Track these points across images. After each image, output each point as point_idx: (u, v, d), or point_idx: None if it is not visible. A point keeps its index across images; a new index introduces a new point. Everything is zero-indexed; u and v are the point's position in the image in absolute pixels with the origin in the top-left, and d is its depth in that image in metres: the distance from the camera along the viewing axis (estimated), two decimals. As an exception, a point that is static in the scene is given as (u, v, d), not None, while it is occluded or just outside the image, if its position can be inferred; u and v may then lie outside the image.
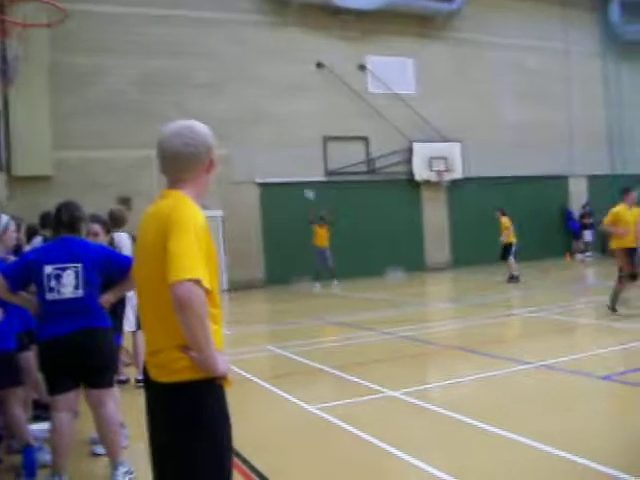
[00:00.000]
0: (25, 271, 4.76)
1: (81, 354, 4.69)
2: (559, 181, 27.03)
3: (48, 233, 7.32)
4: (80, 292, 4.74)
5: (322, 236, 19.62)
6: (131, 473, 4.89)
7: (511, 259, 18.09)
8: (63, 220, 4.90)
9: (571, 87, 27.32)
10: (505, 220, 18.64)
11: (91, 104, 19.34)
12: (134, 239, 7.92)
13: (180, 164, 2.88)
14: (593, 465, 4.57)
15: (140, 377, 7.99)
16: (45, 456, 5.17)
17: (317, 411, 6.41)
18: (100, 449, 5.40)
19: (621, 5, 27.98)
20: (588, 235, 26.21)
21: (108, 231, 6.67)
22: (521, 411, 6.14)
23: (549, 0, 26.77)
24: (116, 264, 4.95)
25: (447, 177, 23.83)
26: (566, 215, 26.83)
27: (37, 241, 8.44)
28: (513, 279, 17.89)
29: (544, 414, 5.98)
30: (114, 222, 7.86)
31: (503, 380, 7.35)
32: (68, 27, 17.24)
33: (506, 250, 18.28)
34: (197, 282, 2.55)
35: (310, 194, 19.60)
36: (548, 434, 5.27)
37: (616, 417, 5.89)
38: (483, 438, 5.43)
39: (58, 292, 4.70)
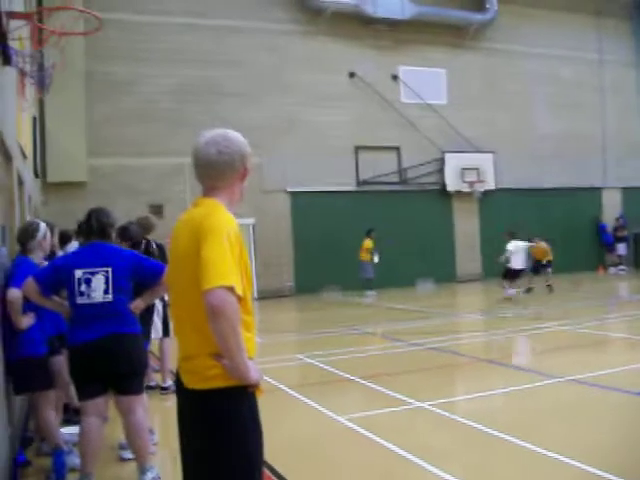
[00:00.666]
0: (56, 276, 4.82)
1: (110, 360, 4.73)
2: (593, 193, 26.72)
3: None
4: (110, 297, 4.78)
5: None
6: (159, 479, 4.91)
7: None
8: (93, 226, 4.96)
9: (605, 97, 27.04)
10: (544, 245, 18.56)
11: (125, 112, 19.58)
12: (159, 246, 7.99)
13: (214, 172, 2.90)
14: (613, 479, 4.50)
15: (165, 385, 8.05)
16: (74, 460, 5.21)
17: (345, 421, 6.39)
18: (128, 454, 5.45)
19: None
20: (622, 248, 25.86)
21: (129, 239, 6.75)
22: (548, 425, 6.07)
23: (583, 9, 26.56)
24: (147, 270, 4.98)
25: (479, 188, 23.68)
26: (599, 228, 26.49)
27: (72, 246, 8.55)
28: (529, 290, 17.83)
29: (571, 428, 5.91)
30: (142, 230, 7.95)
31: (531, 393, 7.27)
32: (104, 36, 17.43)
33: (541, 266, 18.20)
34: (230, 289, 2.56)
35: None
36: (575, 448, 5.22)
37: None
38: (507, 450, 5.39)
39: (88, 296, 4.75)
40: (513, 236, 17.67)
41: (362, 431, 6.01)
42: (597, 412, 6.43)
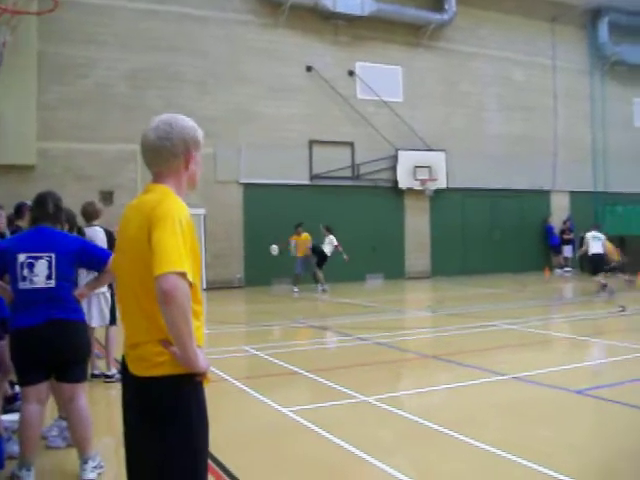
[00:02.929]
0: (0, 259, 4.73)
1: (51, 346, 4.65)
2: (541, 195, 27.21)
3: (23, 223, 7.26)
4: (52, 282, 4.70)
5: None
6: (101, 467, 4.86)
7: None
8: (49, 211, 4.87)
9: (557, 102, 27.54)
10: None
11: (79, 96, 19.24)
12: (108, 233, 7.88)
13: (157, 158, 2.87)
14: (555, 475, 4.61)
15: (109, 373, 7.97)
16: (14, 447, 5.12)
17: (290, 414, 6.40)
18: (57, 441, 5.40)
19: (609, 24, 28.28)
20: (568, 250, 26.39)
21: (72, 227, 6.63)
22: (490, 421, 6.18)
23: (539, 15, 26.98)
24: (92, 256, 4.90)
25: (431, 186, 23.89)
26: (547, 230, 26.97)
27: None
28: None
29: (513, 425, 6.03)
30: (86, 217, 7.84)
31: (475, 390, 7.38)
32: (58, 17, 17.17)
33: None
34: (182, 275, 2.54)
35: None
36: (514, 444, 5.32)
37: (585, 431, 5.92)
38: (450, 445, 5.47)
39: (30, 281, 4.66)
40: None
41: (308, 424, 6.02)
42: (539, 410, 6.55)
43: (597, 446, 5.47)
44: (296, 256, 19.58)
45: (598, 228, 17.97)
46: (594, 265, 17.29)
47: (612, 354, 9.39)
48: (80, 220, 7.61)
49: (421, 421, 6.04)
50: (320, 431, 5.80)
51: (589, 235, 17.37)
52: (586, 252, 17.40)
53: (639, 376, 7.89)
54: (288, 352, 9.99)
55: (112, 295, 7.94)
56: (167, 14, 20.53)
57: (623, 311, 14.19)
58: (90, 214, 7.94)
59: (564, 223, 26.86)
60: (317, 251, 19.32)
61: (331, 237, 19.45)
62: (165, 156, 2.86)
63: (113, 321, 8.02)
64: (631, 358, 9.01)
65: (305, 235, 19.64)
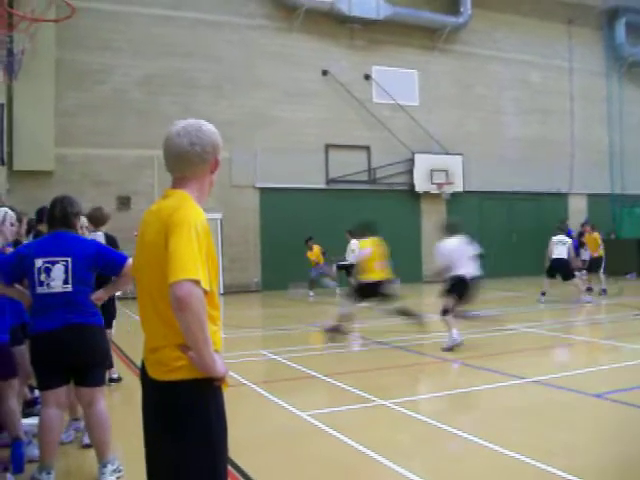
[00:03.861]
0: (17, 264, 4.77)
1: (69, 351, 4.68)
2: (559, 198, 27.07)
3: (43, 228, 7.30)
4: (69, 287, 4.72)
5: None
6: (119, 471, 4.87)
7: (601, 273, 18.33)
8: (56, 215, 4.91)
9: (574, 105, 27.42)
10: (597, 235, 18.93)
11: (96, 102, 19.40)
12: (110, 239, 7.86)
13: (184, 163, 2.88)
14: (573, 478, 4.58)
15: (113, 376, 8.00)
16: (34, 451, 5.15)
17: (307, 417, 6.40)
18: (85, 439, 5.45)
19: (627, 26, 28.12)
20: (586, 253, 26.17)
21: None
22: (508, 424, 6.14)
23: (555, 17, 26.89)
24: (108, 260, 4.93)
25: (447, 190, 23.85)
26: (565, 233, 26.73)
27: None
28: (604, 292, 18.05)
29: (531, 428, 5.98)
30: (93, 222, 7.85)
31: (493, 393, 7.35)
32: (76, 24, 17.29)
33: (597, 264, 18.24)
34: (196, 283, 2.55)
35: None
36: (532, 447, 5.29)
37: (604, 435, 5.87)
38: (466, 448, 5.46)
39: (48, 286, 4.69)
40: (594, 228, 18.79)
41: (325, 427, 6.02)
42: (557, 413, 6.51)
43: (615, 450, 5.42)
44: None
45: (564, 232, 17.65)
46: (554, 270, 16.88)
47: (631, 358, 9.30)
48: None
49: (438, 424, 6.01)
50: (336, 434, 5.80)
51: (555, 239, 17.03)
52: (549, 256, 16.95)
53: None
54: (306, 356, 9.99)
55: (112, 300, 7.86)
56: (182, 20, 20.66)
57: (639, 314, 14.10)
58: (97, 219, 7.94)
59: (582, 226, 26.66)
60: (344, 267, 19.18)
61: (353, 241, 19.41)
62: (194, 161, 2.87)
63: (108, 325, 8.00)
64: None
65: (316, 249, 19.75)
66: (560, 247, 16.63)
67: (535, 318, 13.52)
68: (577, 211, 27.37)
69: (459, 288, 10.51)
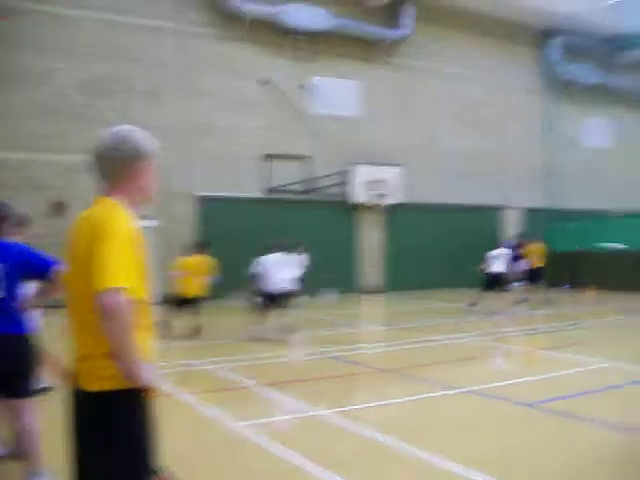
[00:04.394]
0: None
1: None
2: (495, 212, 27.60)
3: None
4: (2, 293, 4.58)
5: None
6: (48, 482, 4.73)
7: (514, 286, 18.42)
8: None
9: (510, 120, 28.02)
10: (541, 246, 19.53)
11: (33, 105, 18.93)
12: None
13: (108, 169, 2.85)
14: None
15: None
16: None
17: (242, 427, 6.33)
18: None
19: (562, 45, 28.94)
20: (522, 266, 26.70)
21: None
22: (442, 434, 6.19)
23: (493, 34, 27.44)
24: (35, 265, 4.76)
25: (385, 201, 24.02)
26: (500, 247, 27.22)
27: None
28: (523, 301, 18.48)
29: (465, 438, 6.04)
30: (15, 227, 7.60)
31: (428, 404, 7.40)
32: (17, 25, 16.90)
33: (538, 274, 18.64)
34: (122, 291, 2.52)
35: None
36: (465, 457, 5.34)
37: (536, 444, 5.96)
38: (400, 458, 5.47)
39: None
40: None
41: (259, 438, 5.96)
42: (491, 423, 6.58)
43: (546, 459, 5.50)
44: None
45: (504, 245, 17.95)
46: (492, 283, 17.15)
47: (565, 367, 9.50)
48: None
49: (373, 434, 6.02)
50: (270, 445, 5.75)
51: (494, 253, 17.35)
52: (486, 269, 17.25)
53: (590, 388, 8.01)
54: (243, 365, 9.90)
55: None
56: (124, 25, 20.34)
57: (576, 324, 14.42)
58: (18, 225, 7.70)
59: (519, 238, 27.19)
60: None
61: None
62: (116, 168, 2.84)
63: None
64: (583, 371, 9.15)
65: None
66: (496, 260, 16.92)
67: (470, 329, 13.71)
68: (512, 225, 27.92)
69: (267, 301, 12.51)
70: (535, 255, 19.49)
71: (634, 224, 24.71)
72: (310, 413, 6.87)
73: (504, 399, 7.43)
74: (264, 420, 6.76)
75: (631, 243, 23.17)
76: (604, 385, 8.33)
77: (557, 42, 28.89)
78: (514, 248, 26.78)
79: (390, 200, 24.06)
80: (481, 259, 17.44)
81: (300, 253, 17.85)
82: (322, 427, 6.47)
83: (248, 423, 6.47)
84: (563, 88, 29.57)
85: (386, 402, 7.52)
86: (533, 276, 19.40)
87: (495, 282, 16.92)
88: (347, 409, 7.25)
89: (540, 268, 19.38)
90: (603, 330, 14.17)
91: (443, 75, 26.27)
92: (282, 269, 13.01)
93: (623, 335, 13.27)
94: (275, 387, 8.12)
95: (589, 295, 20.09)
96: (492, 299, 16.99)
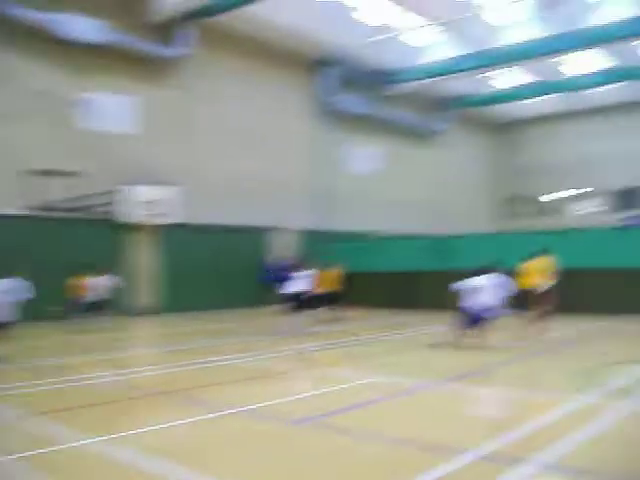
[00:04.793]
0: None
1: None
2: (268, 233, 28.24)
3: None
4: None
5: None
6: None
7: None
8: None
9: (286, 144, 28.95)
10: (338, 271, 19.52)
11: None
12: None
13: None
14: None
15: None
16: None
17: (10, 462, 5.95)
18: None
19: (334, 75, 30.43)
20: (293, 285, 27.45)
21: None
22: (215, 456, 6.20)
23: (271, 60, 28.30)
24: None
25: (161, 221, 23.68)
26: (271, 267, 27.86)
27: None
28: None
29: (233, 459, 6.10)
30: None
31: (203, 426, 7.36)
32: None
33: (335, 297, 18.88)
34: None
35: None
36: (244, 477, 5.41)
37: (302, 459, 6.14)
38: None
39: None
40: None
41: (27, 473, 5.64)
42: (260, 442, 6.68)
43: (319, 473, 5.71)
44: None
45: (302, 267, 18.40)
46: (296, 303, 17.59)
47: (333, 383, 9.90)
48: None
49: (147, 462, 5.90)
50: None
51: (298, 274, 17.74)
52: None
53: (358, 402, 8.43)
54: (9, 394, 9.28)
55: None
56: None
57: (350, 340, 15.07)
58: None
59: (289, 260, 27.97)
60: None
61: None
62: None
63: None
64: (347, 387, 9.56)
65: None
66: (296, 281, 17.18)
67: (244, 349, 13.87)
68: (286, 246, 28.72)
69: None
70: (327, 280, 19.81)
71: (398, 245, 26.43)
72: (80, 443, 6.59)
73: (279, 417, 7.61)
74: (28, 453, 6.35)
75: (396, 264, 24.70)
76: (371, 398, 8.81)
77: (330, 72, 30.36)
78: (288, 269, 27.66)
79: (166, 220, 23.73)
80: (255, 279, 17.76)
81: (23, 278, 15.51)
82: (91, 458, 6.23)
83: (13, 457, 6.09)
84: (335, 116, 31.11)
85: (162, 426, 7.39)
86: (330, 299, 19.78)
87: (299, 301, 17.21)
88: (121, 435, 7.02)
89: (336, 292, 19.80)
90: (377, 346, 14.95)
91: (222, 97, 26.55)
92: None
93: (393, 349, 14.12)
94: (44, 416, 7.71)
95: (352, 313, 21.08)
96: (284, 319, 17.28)
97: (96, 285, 18.93)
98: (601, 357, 12.18)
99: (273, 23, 26.03)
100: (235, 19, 25.08)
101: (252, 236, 27.34)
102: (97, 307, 18.94)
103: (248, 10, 24.17)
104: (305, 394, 9.20)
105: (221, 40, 26.30)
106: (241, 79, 27.27)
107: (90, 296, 18.76)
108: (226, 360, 12.43)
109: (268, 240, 28.34)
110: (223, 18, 24.77)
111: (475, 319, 13.39)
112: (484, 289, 13.42)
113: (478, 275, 13.71)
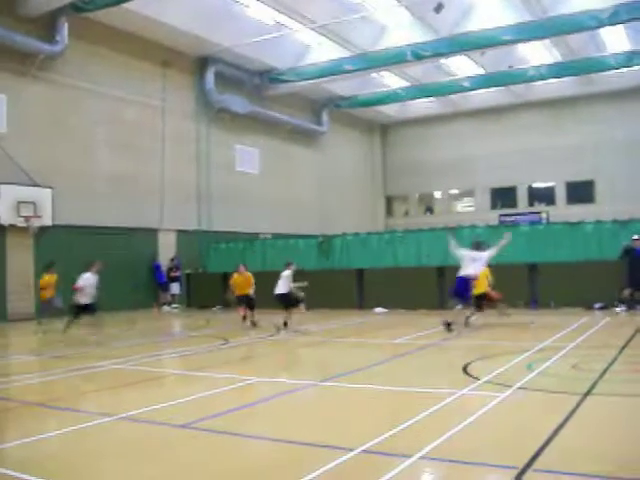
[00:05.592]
0: None
1: None
2: (150, 234, 27.69)
3: None
4: None
5: None
6: None
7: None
8: None
9: (166, 144, 28.42)
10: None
11: None
12: None
13: None
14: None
15: None
16: None
17: None
18: None
19: (216, 74, 30.21)
20: (175, 288, 27.19)
21: None
22: (106, 465, 6.03)
23: (150, 58, 27.73)
24: None
25: (36, 223, 22.76)
26: (154, 267, 27.47)
27: None
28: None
29: (121, 467, 5.94)
30: None
31: (87, 434, 7.13)
32: None
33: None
34: None
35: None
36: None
37: (194, 463, 6.06)
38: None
39: None
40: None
41: None
42: (151, 447, 6.56)
43: (205, 476, 5.64)
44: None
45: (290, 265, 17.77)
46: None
47: (215, 385, 9.80)
48: None
49: (24, 476, 5.64)
50: None
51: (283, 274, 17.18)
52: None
53: (239, 405, 8.39)
54: None
55: None
56: None
57: (225, 344, 14.97)
58: None
59: (171, 261, 27.63)
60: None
61: None
62: None
63: None
64: (227, 389, 9.51)
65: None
66: (281, 282, 16.82)
67: (126, 353, 13.54)
68: (167, 246, 28.26)
69: None
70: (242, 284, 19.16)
71: (284, 245, 26.54)
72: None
73: (160, 423, 7.46)
74: None
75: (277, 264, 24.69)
76: (254, 400, 8.79)
77: (211, 71, 30.07)
78: (170, 269, 27.36)
79: (41, 222, 22.85)
80: (137, 281, 17.33)
81: None
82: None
83: None
84: (216, 115, 30.85)
85: (40, 437, 7.09)
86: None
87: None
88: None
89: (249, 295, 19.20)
90: (261, 347, 14.96)
91: (99, 95, 25.79)
92: None
93: (269, 352, 14.16)
94: None
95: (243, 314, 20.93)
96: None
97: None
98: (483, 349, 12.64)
99: (156, 20, 25.51)
100: (115, 15, 24.41)
101: (132, 237, 26.70)
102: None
103: (130, 6, 23.56)
104: (186, 398, 9.04)
105: (100, 36, 25.55)
106: (120, 77, 26.54)
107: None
108: (104, 366, 12.07)
109: (152, 241, 27.78)
110: (102, 14, 24.04)
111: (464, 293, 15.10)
112: (477, 261, 15.09)
113: (478, 249, 15.38)
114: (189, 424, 7.32)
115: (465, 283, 15.33)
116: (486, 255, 15.60)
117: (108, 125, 26.17)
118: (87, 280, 16.05)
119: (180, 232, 28.90)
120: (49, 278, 19.30)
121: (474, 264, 15.42)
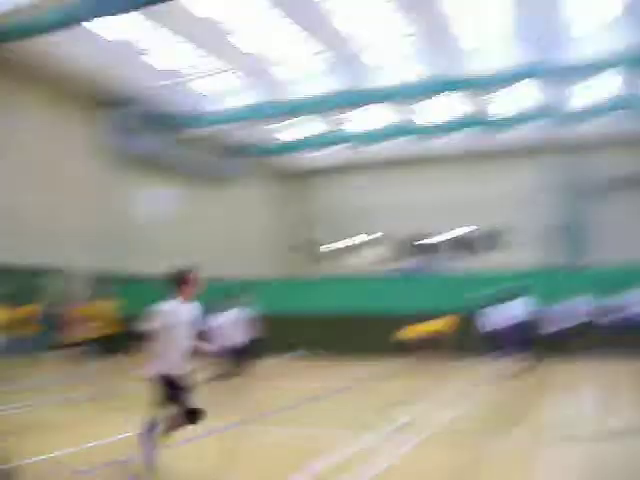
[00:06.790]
0: None
1: None
2: (52, 274, 26.71)
3: None
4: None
5: None
6: None
7: None
8: None
9: (72, 183, 27.82)
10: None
11: None
12: None
13: None
14: None
15: None
16: None
17: None
18: None
19: (124, 117, 29.66)
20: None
21: None
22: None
23: (59, 97, 27.32)
24: None
25: None
26: (60, 310, 26.40)
27: None
28: None
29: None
30: None
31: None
32: None
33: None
34: None
35: None
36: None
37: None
38: None
39: None
40: None
41: None
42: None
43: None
44: None
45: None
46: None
47: (121, 430, 9.39)
48: None
49: None
50: None
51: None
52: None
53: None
54: None
55: None
56: None
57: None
58: None
59: (75, 303, 26.62)
60: None
61: None
62: None
63: None
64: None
65: None
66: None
67: (20, 398, 12.85)
68: (71, 289, 27.24)
69: None
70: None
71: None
72: None
73: (58, 471, 7.09)
74: None
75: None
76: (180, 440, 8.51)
77: (122, 113, 29.53)
78: (71, 312, 26.22)
79: None
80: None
81: None
82: None
83: None
84: (126, 158, 30.33)
85: None
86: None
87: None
88: None
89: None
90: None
91: (8, 129, 24.90)
92: None
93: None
94: None
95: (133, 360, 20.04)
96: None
97: None
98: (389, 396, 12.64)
99: (64, 58, 25.01)
100: (26, 49, 23.74)
101: (35, 278, 25.65)
102: None
103: (42, 42, 22.92)
104: (89, 444, 8.63)
105: (13, 69, 24.80)
106: (23, 114, 25.74)
107: None
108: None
109: (53, 282, 26.75)
110: (15, 47, 23.30)
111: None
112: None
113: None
114: (92, 471, 6.97)
115: None
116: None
117: (13, 159, 25.23)
118: None
119: (86, 274, 27.89)
120: None
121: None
